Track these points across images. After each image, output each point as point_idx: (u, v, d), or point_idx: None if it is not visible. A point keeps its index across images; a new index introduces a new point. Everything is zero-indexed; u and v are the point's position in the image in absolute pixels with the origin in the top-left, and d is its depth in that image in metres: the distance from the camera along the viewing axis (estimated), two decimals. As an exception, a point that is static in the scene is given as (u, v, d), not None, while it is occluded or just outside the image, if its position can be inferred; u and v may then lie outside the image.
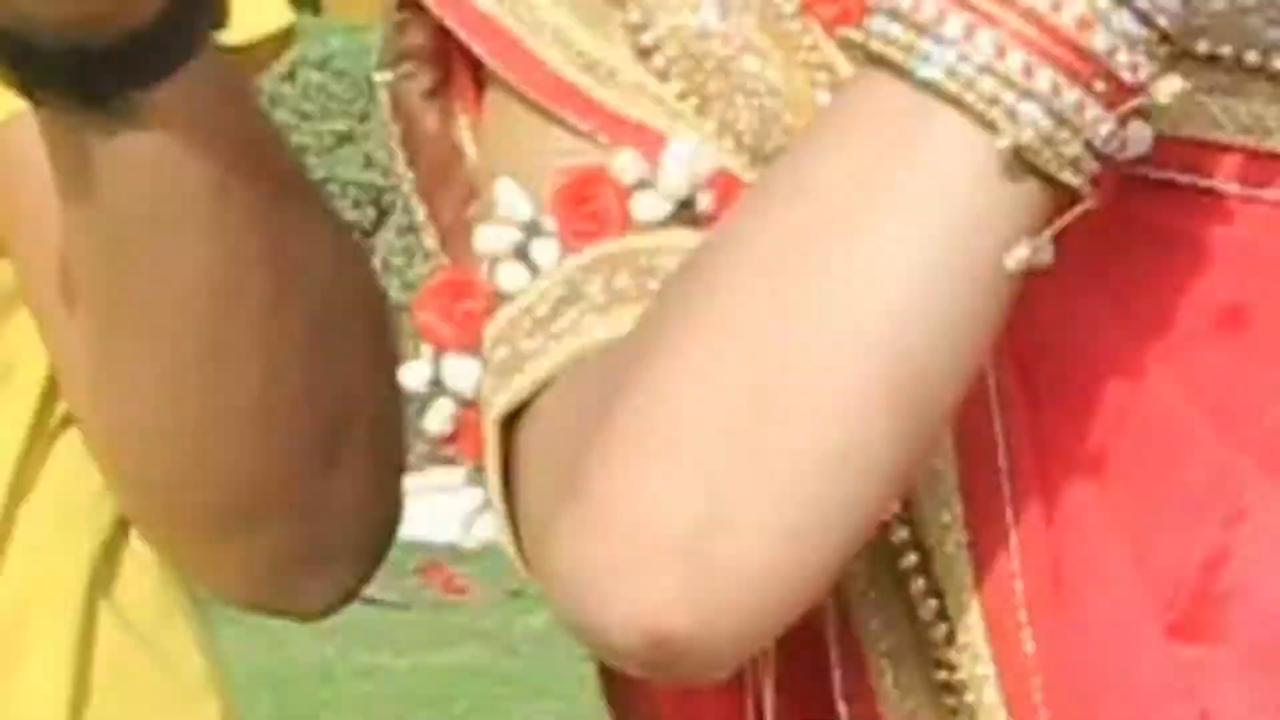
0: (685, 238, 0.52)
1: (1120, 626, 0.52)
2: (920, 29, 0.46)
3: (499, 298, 0.53)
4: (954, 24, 0.46)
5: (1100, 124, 0.46)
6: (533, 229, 0.53)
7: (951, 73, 0.46)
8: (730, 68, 0.54)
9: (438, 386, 0.54)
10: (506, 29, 0.54)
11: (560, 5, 0.55)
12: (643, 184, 0.52)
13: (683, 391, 0.47)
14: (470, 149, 0.58)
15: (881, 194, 0.47)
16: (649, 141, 0.53)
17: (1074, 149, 0.46)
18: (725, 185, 0.53)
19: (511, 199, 0.53)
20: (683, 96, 0.54)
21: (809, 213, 0.47)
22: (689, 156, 0.53)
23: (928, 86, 0.46)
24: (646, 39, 0.54)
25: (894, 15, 0.47)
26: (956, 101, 0.46)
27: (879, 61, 0.47)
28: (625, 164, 0.53)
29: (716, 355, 0.47)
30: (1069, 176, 0.46)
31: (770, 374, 0.46)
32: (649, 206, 0.52)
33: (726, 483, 0.46)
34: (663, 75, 0.54)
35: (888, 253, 0.46)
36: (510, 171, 0.54)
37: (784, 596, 0.47)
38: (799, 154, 0.49)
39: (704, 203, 0.53)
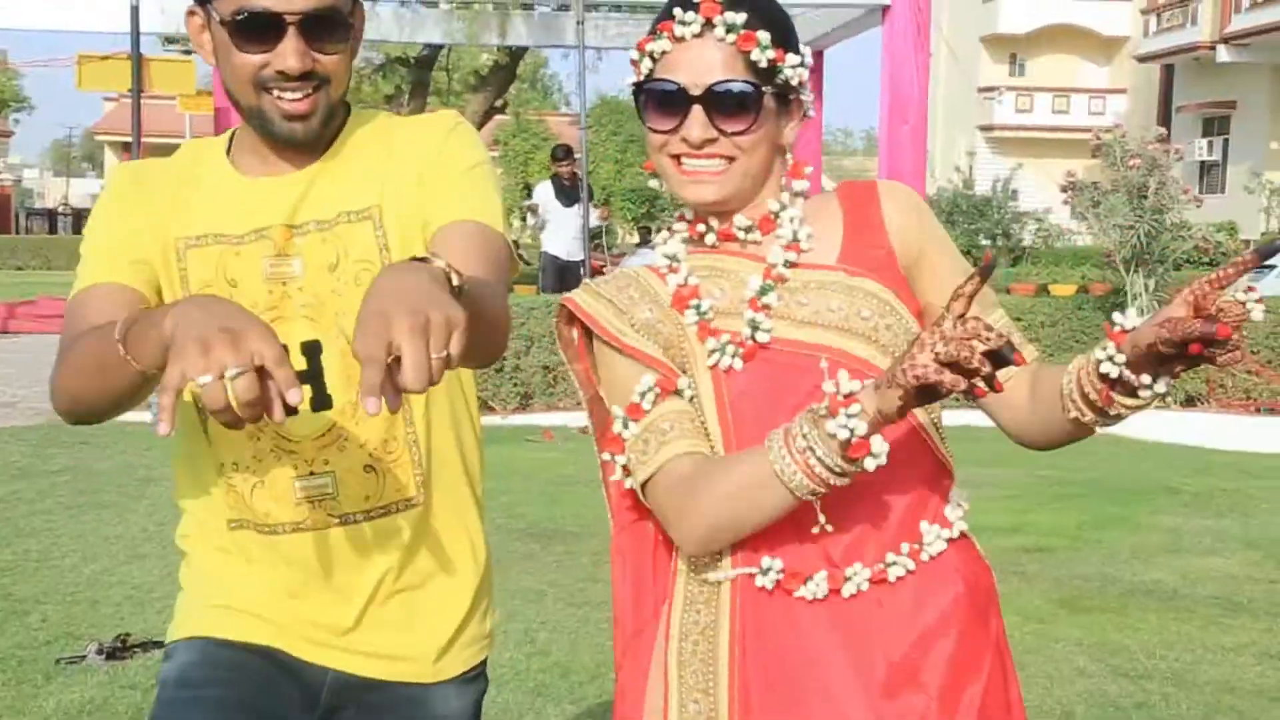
0: (660, 408, 1.86)
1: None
2: (784, 456, 1.70)
3: (622, 440, 1.88)
4: (787, 457, 1.69)
5: (817, 491, 1.70)
6: (625, 421, 1.88)
7: (785, 469, 1.70)
8: (655, 329, 1.90)
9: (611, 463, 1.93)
10: (595, 319, 1.92)
11: (605, 307, 1.91)
12: (644, 395, 1.87)
13: (696, 507, 1.81)
14: (577, 367, 2.00)
15: (759, 484, 1.74)
16: (642, 357, 1.88)
17: (809, 491, 1.70)
18: (664, 387, 1.87)
19: (619, 414, 1.89)
20: (646, 338, 1.89)
21: (739, 474, 1.77)
22: (649, 382, 1.87)
23: (777, 467, 1.71)
24: (633, 323, 1.90)
25: (776, 448, 1.71)
26: (781, 477, 1.71)
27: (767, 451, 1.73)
28: (638, 393, 1.87)
29: (705, 504, 1.80)
30: (811, 497, 1.72)
31: (720, 512, 1.79)
32: (647, 403, 1.87)
33: (706, 528, 1.81)
34: (639, 332, 1.90)
35: (762, 496, 1.74)
36: (612, 393, 1.92)
37: (709, 547, 1.84)
38: (736, 460, 1.80)
39: (653, 401, 1.86)
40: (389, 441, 2.05)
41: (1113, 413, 1.69)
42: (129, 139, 13.77)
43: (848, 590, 1.83)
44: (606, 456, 1.91)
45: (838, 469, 1.66)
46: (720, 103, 1.82)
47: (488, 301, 1.82)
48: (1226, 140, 32.63)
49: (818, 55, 16.19)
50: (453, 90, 22.47)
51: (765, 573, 1.84)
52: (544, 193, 15.31)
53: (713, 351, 1.87)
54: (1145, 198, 11.29)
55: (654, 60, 1.86)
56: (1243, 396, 11.87)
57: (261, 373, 1.51)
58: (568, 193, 14.76)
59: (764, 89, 1.84)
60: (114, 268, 1.97)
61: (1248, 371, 11.72)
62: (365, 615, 2.07)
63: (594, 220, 14.14)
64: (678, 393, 1.87)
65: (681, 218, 2.00)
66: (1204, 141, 32.54)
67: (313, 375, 1.94)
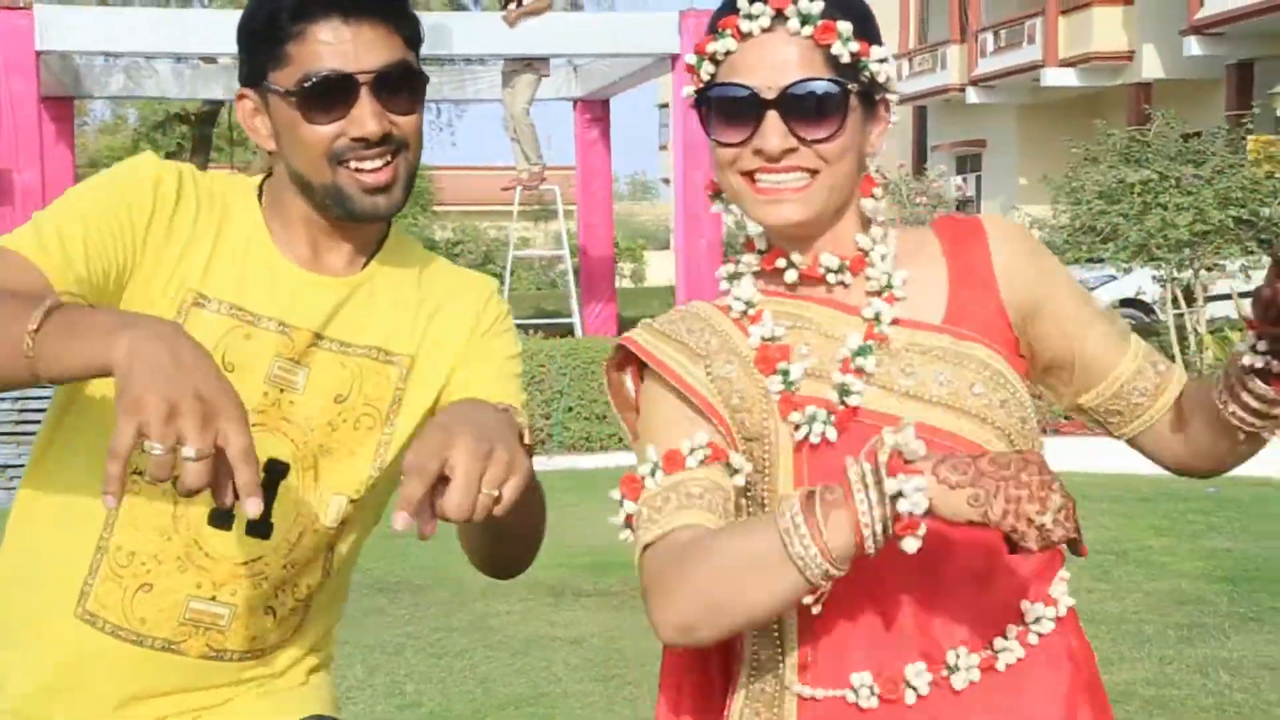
0: (703, 472, 1.58)
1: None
2: (793, 526, 1.43)
3: (641, 484, 1.60)
4: (802, 529, 1.43)
5: (827, 575, 1.43)
6: (655, 467, 1.60)
7: (792, 545, 1.43)
8: (736, 388, 1.63)
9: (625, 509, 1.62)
10: (660, 360, 1.65)
11: (673, 348, 1.65)
12: (692, 451, 1.59)
13: (682, 582, 1.52)
14: (630, 386, 1.72)
15: (760, 565, 1.46)
16: (706, 408, 1.62)
17: (820, 576, 1.43)
18: (717, 451, 1.60)
19: (652, 457, 1.60)
20: (719, 394, 1.63)
21: (737, 552, 1.48)
22: (702, 439, 1.59)
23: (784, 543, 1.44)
24: (709, 373, 1.64)
25: (789, 512, 1.43)
26: (790, 556, 1.43)
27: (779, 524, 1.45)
28: (687, 446, 1.59)
29: (692, 579, 1.51)
30: (822, 582, 1.45)
31: (709, 592, 1.49)
32: (693, 460, 1.59)
33: (688, 612, 1.52)
34: (714, 383, 1.64)
35: (761, 580, 1.47)
36: (650, 430, 1.65)
37: (688, 636, 1.54)
38: (741, 529, 1.53)
39: (700, 460, 1.59)
40: (298, 587, 1.85)
41: (1269, 412, 1.48)
42: None
43: (959, 682, 1.57)
44: (614, 496, 1.62)
45: (876, 538, 1.40)
46: (799, 106, 1.56)
47: (539, 490, 1.70)
48: (979, 177, 34.23)
49: (605, 104, 16.49)
50: (235, 145, 22.10)
51: (858, 691, 1.59)
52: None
53: (799, 425, 1.60)
54: (933, 233, 11.84)
55: (716, 63, 1.60)
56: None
57: (219, 455, 1.33)
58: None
59: (849, 87, 1.58)
60: (55, 249, 1.65)
61: None
62: None
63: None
64: (728, 466, 1.62)
65: (750, 246, 1.70)
66: (959, 178, 34.06)
67: (263, 496, 1.73)
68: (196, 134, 20.93)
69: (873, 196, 1.65)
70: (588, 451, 11.62)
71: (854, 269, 1.65)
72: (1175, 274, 12.59)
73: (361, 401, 1.83)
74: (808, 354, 1.63)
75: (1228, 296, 13.31)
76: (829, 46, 1.57)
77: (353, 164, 1.73)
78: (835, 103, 1.57)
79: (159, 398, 1.29)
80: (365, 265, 1.86)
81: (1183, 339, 12.39)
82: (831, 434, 1.59)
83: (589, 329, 15.23)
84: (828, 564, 1.41)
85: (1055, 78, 29.12)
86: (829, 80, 1.57)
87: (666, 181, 50.79)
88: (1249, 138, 14.36)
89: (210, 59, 15.84)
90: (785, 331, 1.65)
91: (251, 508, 1.33)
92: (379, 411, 1.84)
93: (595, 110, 16.40)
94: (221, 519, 1.77)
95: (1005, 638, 1.59)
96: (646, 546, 1.57)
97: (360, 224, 1.81)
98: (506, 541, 1.78)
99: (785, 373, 1.61)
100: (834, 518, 1.40)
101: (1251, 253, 12.49)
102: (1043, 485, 1.36)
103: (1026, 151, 30.81)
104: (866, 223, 1.67)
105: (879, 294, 1.64)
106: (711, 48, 1.60)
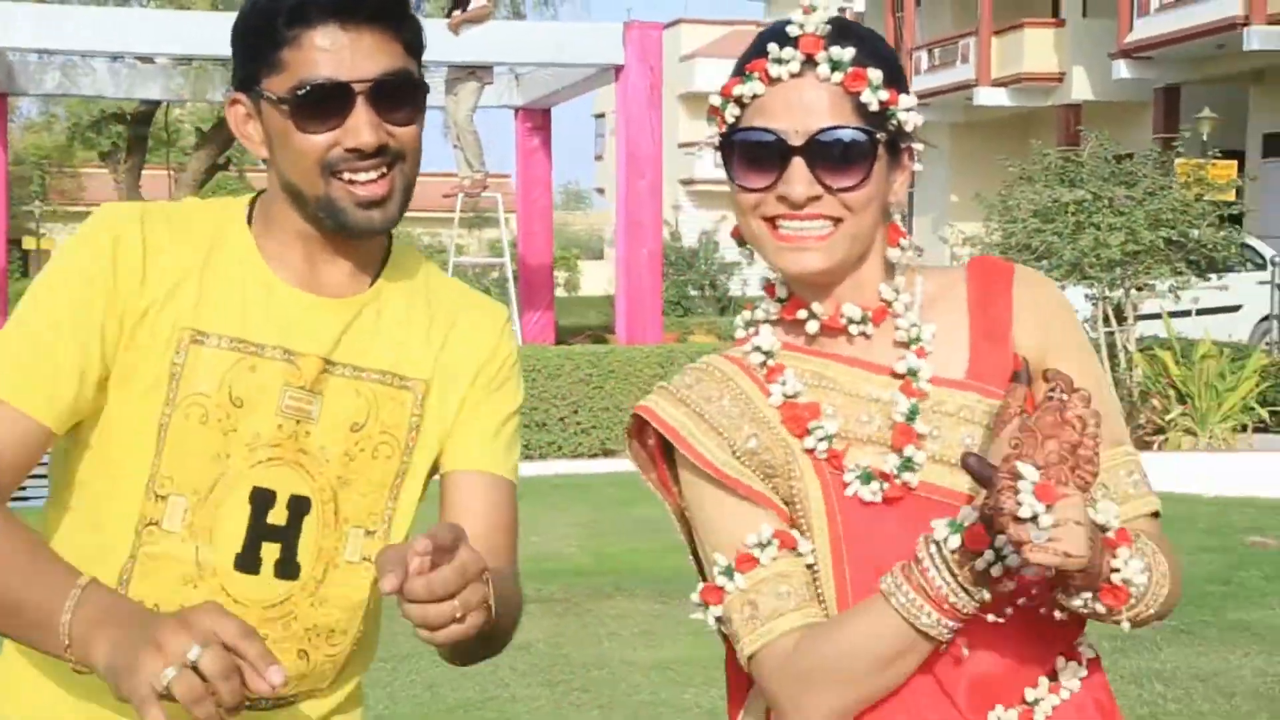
0: (779, 566, 1.55)
1: None
2: (898, 586, 1.47)
3: (720, 590, 1.58)
4: (909, 592, 1.46)
5: (946, 626, 1.46)
6: (730, 570, 1.57)
7: (908, 609, 1.46)
8: (762, 459, 1.59)
9: (718, 619, 1.61)
10: (686, 440, 1.60)
11: (694, 422, 1.59)
12: (762, 548, 1.56)
13: (814, 700, 1.53)
14: (652, 476, 1.69)
15: (882, 637, 1.49)
16: (751, 494, 1.58)
17: (939, 630, 1.47)
18: (784, 540, 1.56)
19: (723, 562, 1.58)
20: (753, 470, 1.59)
21: (853, 646, 1.52)
22: (767, 533, 1.55)
23: (899, 607, 1.47)
24: (734, 448, 1.58)
25: (895, 584, 1.47)
26: (907, 617, 1.47)
27: (885, 593, 1.49)
28: (754, 541, 1.56)
29: (820, 677, 1.52)
30: (942, 635, 1.47)
31: (844, 698, 1.52)
32: (765, 556, 1.56)
33: (823, 707, 1.53)
34: (742, 460, 1.59)
35: (886, 655, 1.49)
36: (712, 533, 1.61)
37: None
38: (852, 624, 1.51)
39: (773, 556, 1.56)
40: (335, 634, 1.77)
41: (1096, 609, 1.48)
42: None
43: None
44: (696, 601, 1.61)
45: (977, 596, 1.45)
46: (826, 153, 1.53)
47: (509, 618, 1.67)
48: (911, 193, 34.58)
49: (546, 114, 16.54)
50: (169, 146, 21.90)
51: None
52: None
53: (850, 481, 1.57)
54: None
55: (742, 106, 1.57)
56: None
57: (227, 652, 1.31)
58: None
59: (877, 136, 1.55)
60: (36, 379, 1.63)
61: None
62: None
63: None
64: (796, 550, 1.58)
65: (770, 291, 1.67)
66: (891, 195, 34.45)
67: (288, 535, 1.73)
68: (132, 134, 20.73)
69: (899, 246, 1.62)
70: (526, 459, 11.60)
71: (876, 320, 1.61)
72: (1107, 293, 12.80)
73: (379, 430, 1.76)
74: (833, 414, 1.59)
75: (1157, 316, 13.56)
76: (858, 94, 1.54)
77: (346, 175, 1.65)
78: (862, 151, 1.54)
79: (142, 648, 1.32)
80: (372, 283, 1.78)
81: (1113, 357, 12.61)
82: (878, 497, 1.56)
83: (528, 337, 15.26)
84: (958, 620, 1.47)
85: (987, 97, 29.54)
86: (857, 128, 1.54)
87: (601, 191, 50.89)
88: (1177, 161, 14.64)
89: (148, 59, 15.71)
90: (805, 388, 1.61)
91: (275, 675, 1.31)
92: (397, 440, 1.77)
93: (536, 119, 16.44)
94: (248, 563, 1.71)
95: (1036, 688, 1.57)
96: (751, 656, 1.56)
97: (357, 239, 1.73)
98: (470, 650, 1.71)
99: (820, 428, 1.58)
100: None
101: (1180, 273, 12.74)
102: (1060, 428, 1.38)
103: (959, 169, 31.18)
104: (891, 270, 1.63)
105: (906, 346, 1.60)
106: (738, 90, 1.56)
